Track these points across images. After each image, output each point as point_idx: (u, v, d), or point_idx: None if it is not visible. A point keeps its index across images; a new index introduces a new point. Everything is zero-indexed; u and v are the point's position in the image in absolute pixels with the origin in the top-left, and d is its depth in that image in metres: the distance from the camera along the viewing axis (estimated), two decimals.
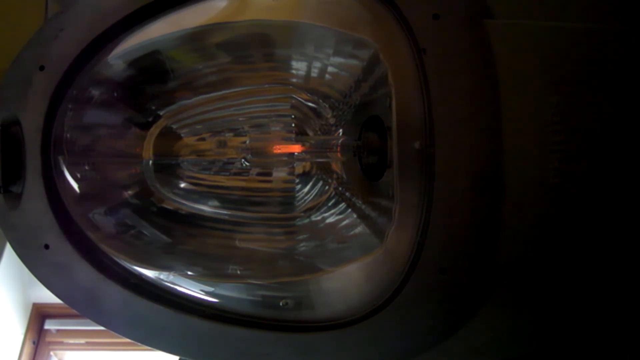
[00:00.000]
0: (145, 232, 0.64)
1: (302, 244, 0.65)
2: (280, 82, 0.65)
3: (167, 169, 0.65)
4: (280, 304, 0.56)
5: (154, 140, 0.64)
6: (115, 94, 0.63)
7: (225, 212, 0.66)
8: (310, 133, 0.65)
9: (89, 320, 0.57)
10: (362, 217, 0.61)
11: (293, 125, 0.65)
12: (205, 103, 0.65)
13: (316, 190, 0.66)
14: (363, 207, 0.62)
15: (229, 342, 0.54)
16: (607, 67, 0.50)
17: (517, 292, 0.51)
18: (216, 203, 0.66)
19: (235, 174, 0.65)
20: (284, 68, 0.65)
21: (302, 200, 0.66)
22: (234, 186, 0.66)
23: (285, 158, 0.64)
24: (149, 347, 0.57)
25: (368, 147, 0.59)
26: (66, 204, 0.57)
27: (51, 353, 1.56)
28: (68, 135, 0.58)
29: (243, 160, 0.63)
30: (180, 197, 0.65)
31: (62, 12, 0.58)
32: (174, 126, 0.65)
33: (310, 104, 0.65)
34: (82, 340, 1.57)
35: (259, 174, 0.65)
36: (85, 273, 0.55)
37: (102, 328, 0.57)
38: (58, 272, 0.56)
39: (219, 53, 0.64)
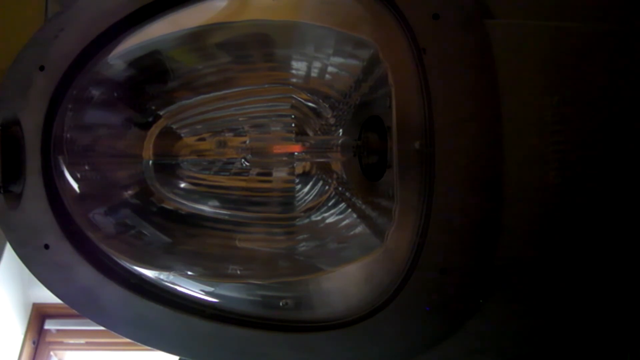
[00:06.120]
0: (145, 232, 0.64)
1: (302, 244, 0.65)
2: (280, 82, 0.65)
3: (167, 169, 0.65)
4: (280, 304, 0.56)
5: (154, 140, 0.64)
6: (115, 94, 0.63)
7: (225, 212, 0.66)
8: (310, 133, 0.65)
9: (89, 320, 0.57)
10: (362, 217, 0.61)
11: (293, 125, 0.65)
12: (205, 103, 0.65)
13: (316, 190, 0.66)
14: (363, 207, 0.62)
15: (229, 342, 0.54)
16: (607, 68, 0.50)
17: (516, 293, 0.51)
18: (216, 203, 0.66)
19: (235, 174, 0.65)
20: (284, 68, 0.65)
21: (302, 200, 0.66)
22: (234, 186, 0.66)
23: (285, 158, 0.64)
24: (149, 347, 0.57)
25: (368, 147, 0.59)
26: (66, 204, 0.57)
27: (51, 353, 1.56)
28: (68, 135, 0.58)
29: (243, 160, 0.63)
30: (180, 197, 0.65)
31: (62, 12, 0.58)
32: (174, 126, 0.65)
33: (310, 104, 0.65)
34: (82, 340, 1.57)
35: (259, 174, 0.65)
36: (85, 273, 0.55)
37: (102, 328, 0.57)
38: (58, 272, 0.56)
39: (218, 53, 0.63)
